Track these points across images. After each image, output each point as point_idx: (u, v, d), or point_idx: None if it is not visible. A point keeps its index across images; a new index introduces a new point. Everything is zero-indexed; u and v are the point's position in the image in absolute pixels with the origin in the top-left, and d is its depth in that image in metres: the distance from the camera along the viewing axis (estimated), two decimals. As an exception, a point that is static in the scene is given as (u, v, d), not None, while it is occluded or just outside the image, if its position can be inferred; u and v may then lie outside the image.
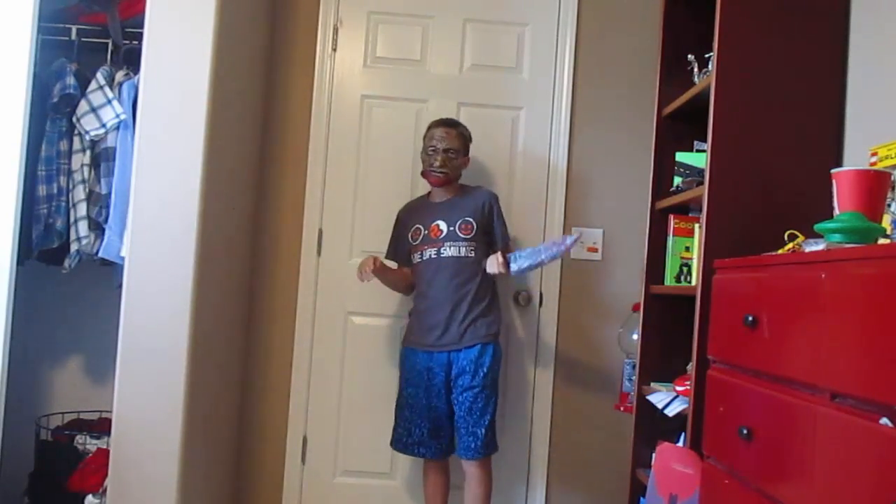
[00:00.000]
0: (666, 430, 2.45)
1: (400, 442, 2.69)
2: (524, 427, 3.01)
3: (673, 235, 2.50)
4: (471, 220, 2.70)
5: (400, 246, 2.79)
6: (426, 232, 2.71)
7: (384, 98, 3.06)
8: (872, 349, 1.21)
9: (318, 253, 3.03)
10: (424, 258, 2.69)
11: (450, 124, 2.74)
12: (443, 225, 2.69)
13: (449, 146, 2.68)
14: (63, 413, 2.81)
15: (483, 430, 2.59)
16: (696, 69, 2.43)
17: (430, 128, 2.75)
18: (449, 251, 2.66)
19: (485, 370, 2.61)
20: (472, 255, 2.67)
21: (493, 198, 2.77)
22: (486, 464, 2.64)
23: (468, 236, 2.68)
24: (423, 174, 2.75)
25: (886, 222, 1.63)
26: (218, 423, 2.70)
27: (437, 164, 2.67)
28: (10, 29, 2.26)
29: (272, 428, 3.01)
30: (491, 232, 2.73)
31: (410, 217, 2.78)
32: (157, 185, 2.29)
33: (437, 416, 2.65)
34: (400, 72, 3.06)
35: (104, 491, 2.33)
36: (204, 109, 2.30)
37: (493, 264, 2.56)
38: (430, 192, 2.81)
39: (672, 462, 2.12)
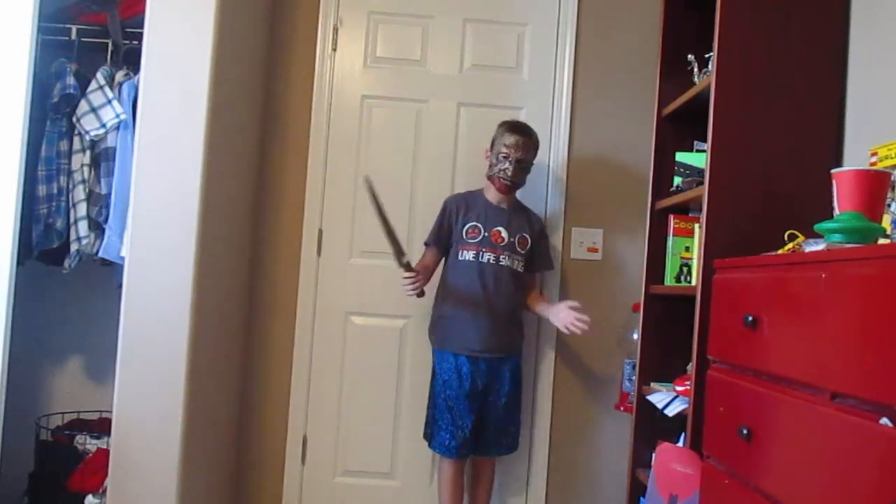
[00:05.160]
0: (666, 430, 2.45)
1: (444, 445, 2.63)
2: (525, 426, 3.00)
3: (673, 235, 2.50)
4: (528, 237, 2.74)
5: (444, 235, 2.73)
6: (486, 234, 2.68)
7: (384, 98, 3.05)
8: (872, 349, 1.21)
9: (318, 253, 3.02)
10: (481, 260, 2.66)
11: (527, 133, 2.69)
12: (504, 233, 2.70)
13: (523, 157, 2.65)
14: (63, 413, 2.81)
15: (515, 428, 2.76)
16: (696, 69, 2.43)
17: (504, 131, 2.68)
18: (506, 261, 2.68)
19: (518, 376, 2.76)
20: (522, 270, 2.74)
21: (545, 228, 2.87)
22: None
23: (523, 251, 2.73)
24: (489, 177, 2.71)
25: (886, 222, 1.63)
26: (218, 422, 2.70)
27: (510, 174, 2.64)
28: (10, 29, 2.26)
29: (272, 428, 3.01)
30: (532, 253, 2.77)
31: (466, 212, 2.72)
32: (157, 185, 2.29)
33: (474, 418, 2.65)
34: (400, 72, 3.06)
35: (104, 491, 2.33)
36: (204, 109, 2.30)
37: (568, 319, 2.58)
38: (483, 191, 2.77)
39: (672, 462, 2.12)
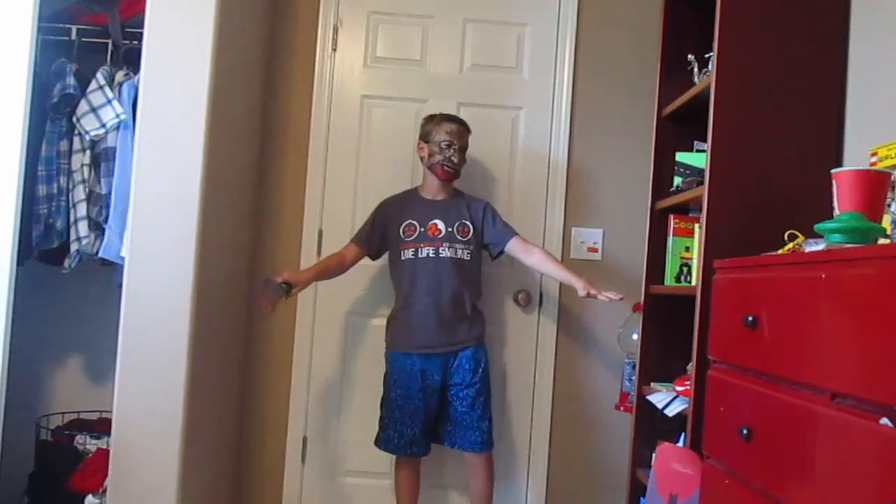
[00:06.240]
0: (666, 430, 2.45)
1: (391, 443, 2.68)
2: (524, 426, 3.01)
3: (673, 235, 2.50)
4: (468, 223, 2.72)
5: (377, 236, 2.75)
6: (423, 230, 2.69)
7: (384, 98, 3.06)
8: (872, 349, 1.21)
9: (318, 253, 3.02)
10: (420, 255, 2.67)
11: (462, 122, 2.75)
12: (441, 225, 2.69)
13: (462, 145, 2.70)
14: (63, 413, 2.81)
15: (487, 424, 2.69)
16: (696, 69, 2.43)
17: (440, 121, 2.72)
18: (447, 252, 2.67)
19: (482, 367, 2.70)
20: (469, 257, 2.70)
21: (489, 206, 2.80)
22: (490, 454, 2.73)
23: (465, 239, 2.70)
24: (431, 167, 2.71)
25: (886, 222, 1.63)
26: (218, 422, 2.70)
27: (456, 160, 2.68)
28: (10, 29, 2.26)
29: (272, 428, 3.01)
30: (483, 238, 2.75)
31: (400, 212, 2.74)
32: (157, 185, 2.29)
33: (429, 416, 2.68)
34: (400, 72, 3.06)
35: (104, 491, 2.33)
36: (204, 109, 2.30)
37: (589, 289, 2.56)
38: (418, 189, 2.81)
39: (672, 462, 2.12)
